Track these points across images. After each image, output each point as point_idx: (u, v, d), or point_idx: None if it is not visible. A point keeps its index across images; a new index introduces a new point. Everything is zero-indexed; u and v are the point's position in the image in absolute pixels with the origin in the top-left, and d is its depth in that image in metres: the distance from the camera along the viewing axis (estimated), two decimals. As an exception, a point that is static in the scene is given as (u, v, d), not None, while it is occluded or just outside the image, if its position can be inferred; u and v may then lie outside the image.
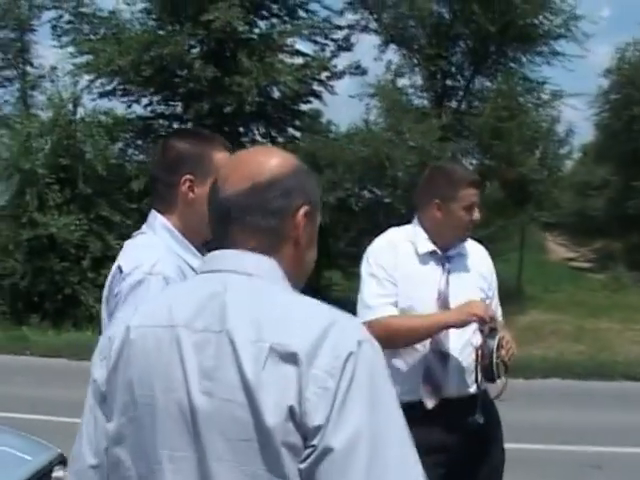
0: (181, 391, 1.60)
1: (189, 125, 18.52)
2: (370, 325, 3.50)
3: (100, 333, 2.09)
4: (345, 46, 18.27)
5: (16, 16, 21.06)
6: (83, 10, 18.09)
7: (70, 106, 16.30)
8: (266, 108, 18.13)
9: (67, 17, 18.32)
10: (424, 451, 3.58)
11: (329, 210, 16.11)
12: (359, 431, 1.49)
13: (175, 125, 18.68)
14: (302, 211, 1.75)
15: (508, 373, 3.57)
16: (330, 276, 19.23)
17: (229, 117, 17.42)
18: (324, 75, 18.09)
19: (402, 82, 18.24)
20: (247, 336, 1.57)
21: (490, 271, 3.85)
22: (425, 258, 3.63)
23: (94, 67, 17.01)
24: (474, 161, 17.99)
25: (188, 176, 2.65)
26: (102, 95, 17.90)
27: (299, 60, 18.15)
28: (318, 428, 1.49)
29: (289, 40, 18.13)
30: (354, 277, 18.52)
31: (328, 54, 18.22)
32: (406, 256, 3.62)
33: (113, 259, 2.75)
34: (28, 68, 22.00)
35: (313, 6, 18.69)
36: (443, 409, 3.51)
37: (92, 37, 17.71)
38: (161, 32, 17.56)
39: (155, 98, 18.35)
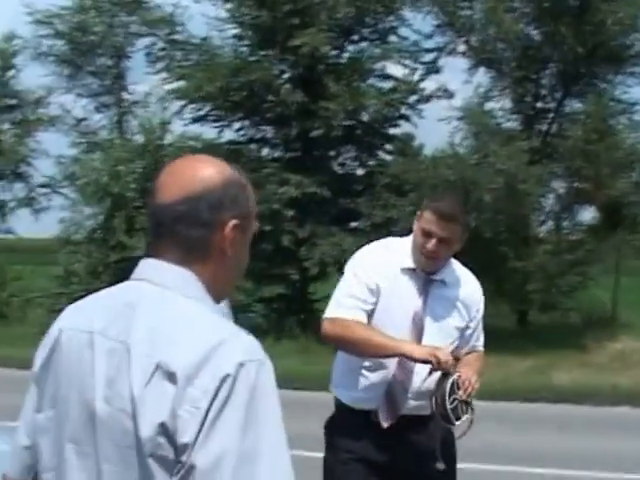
0: (90, 395, 1.69)
1: (279, 150, 18.79)
2: (331, 322, 3.52)
3: None
4: (433, 69, 18.23)
5: (112, 44, 21.66)
6: (176, 37, 18.52)
7: (159, 132, 16.66)
8: (356, 132, 18.24)
9: (160, 44, 18.78)
10: (368, 461, 3.50)
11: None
12: (225, 451, 1.53)
13: (265, 150, 18.92)
14: (231, 224, 1.78)
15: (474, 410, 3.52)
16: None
17: (317, 141, 17.57)
18: (412, 99, 18.12)
19: (490, 105, 18.06)
20: (142, 350, 1.64)
21: (475, 303, 3.77)
22: (407, 274, 3.58)
23: (184, 93, 17.40)
24: (564, 184, 17.66)
25: None
26: (195, 120, 18.29)
27: (388, 84, 18.25)
28: (186, 445, 1.55)
29: (379, 64, 18.22)
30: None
31: (416, 77, 18.20)
32: (394, 267, 3.58)
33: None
34: (124, 94, 22.59)
35: (402, 30, 18.61)
36: (396, 425, 3.53)
37: (184, 64, 18.10)
38: (252, 58, 17.85)
39: (245, 123, 18.65)
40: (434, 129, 27.22)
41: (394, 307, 3.52)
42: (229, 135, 18.81)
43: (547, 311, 17.82)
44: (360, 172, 19.12)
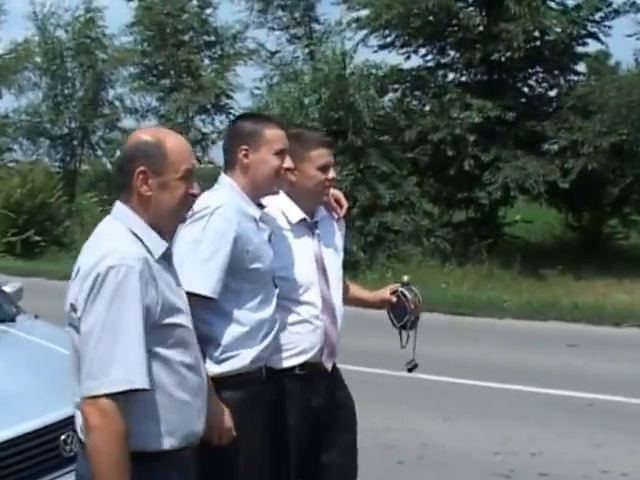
0: None
1: (464, 74, 18.69)
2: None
3: None
4: (621, -18, 17.45)
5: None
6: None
7: (342, 61, 16.91)
8: (543, 53, 17.86)
9: (344, -27, 18.87)
10: (303, 412, 3.54)
11: (602, 155, 15.65)
12: (94, 322, 2.45)
13: (450, 75, 18.84)
14: (138, 170, 2.59)
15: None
16: (614, 224, 18.64)
17: (502, 64, 17.37)
18: (598, 15, 17.54)
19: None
20: (79, 257, 2.60)
21: (342, 223, 3.89)
22: (298, 227, 3.61)
23: (365, 22, 17.63)
24: None
25: (243, 146, 3.31)
26: (382, 47, 18.49)
27: (572, 1, 17.70)
28: (80, 318, 2.49)
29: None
30: (634, 224, 17.83)
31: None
32: (280, 226, 3.58)
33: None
34: (314, 25, 23.05)
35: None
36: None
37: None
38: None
39: (429, 48, 18.65)
40: (624, 46, 25.89)
41: (298, 263, 3.56)
42: (415, 61, 18.85)
43: None
44: (551, 94, 18.74)
